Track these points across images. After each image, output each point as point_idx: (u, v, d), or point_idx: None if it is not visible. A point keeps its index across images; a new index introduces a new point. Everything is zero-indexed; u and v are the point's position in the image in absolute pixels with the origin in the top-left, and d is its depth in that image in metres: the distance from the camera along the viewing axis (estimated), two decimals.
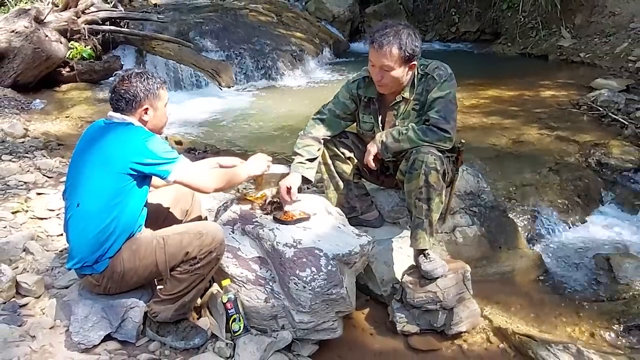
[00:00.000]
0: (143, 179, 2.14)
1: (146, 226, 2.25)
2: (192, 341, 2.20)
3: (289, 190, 2.51)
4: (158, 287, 2.29)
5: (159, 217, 2.41)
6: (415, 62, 2.49)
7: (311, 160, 2.67)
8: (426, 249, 2.48)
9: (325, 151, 2.74)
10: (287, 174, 2.60)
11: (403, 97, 2.60)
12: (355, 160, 2.76)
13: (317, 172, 2.75)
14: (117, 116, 2.16)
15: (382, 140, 2.54)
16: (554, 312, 2.75)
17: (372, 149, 2.57)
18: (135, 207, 2.15)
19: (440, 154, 2.46)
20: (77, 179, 2.14)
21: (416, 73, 2.57)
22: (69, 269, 2.28)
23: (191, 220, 2.51)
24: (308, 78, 7.76)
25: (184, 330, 2.21)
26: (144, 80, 2.16)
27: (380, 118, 2.68)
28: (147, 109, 2.18)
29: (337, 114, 2.73)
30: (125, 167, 2.06)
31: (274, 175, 2.56)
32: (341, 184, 2.80)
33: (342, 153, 2.74)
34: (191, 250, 2.08)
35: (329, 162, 2.76)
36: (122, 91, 2.14)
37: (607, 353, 2.33)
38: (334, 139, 2.74)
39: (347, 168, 2.78)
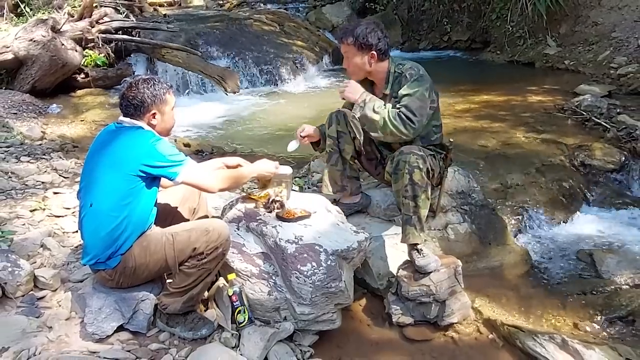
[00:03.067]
0: (152, 180, 2.13)
1: (155, 224, 2.25)
2: (200, 332, 2.20)
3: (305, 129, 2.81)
4: (167, 280, 2.29)
5: (168, 215, 2.40)
6: (374, 52, 2.58)
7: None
8: (417, 244, 2.49)
9: (336, 126, 2.78)
10: (291, 174, 2.61)
11: (384, 94, 2.67)
12: (361, 141, 2.80)
13: (323, 150, 2.88)
14: (127, 120, 2.16)
15: (364, 100, 2.57)
16: (540, 305, 2.75)
17: (352, 94, 2.60)
18: (145, 207, 2.15)
19: (422, 153, 2.50)
20: (90, 179, 2.14)
21: (392, 71, 2.64)
22: (84, 265, 2.29)
23: (198, 218, 2.51)
24: (309, 84, 7.74)
25: (192, 322, 2.21)
26: (151, 86, 2.16)
27: None
28: (154, 113, 2.17)
29: None
30: (135, 169, 2.06)
31: (277, 176, 2.56)
32: (340, 160, 2.85)
33: (349, 132, 2.78)
34: (198, 246, 2.08)
35: (336, 136, 2.79)
36: (130, 97, 2.14)
37: (590, 343, 2.32)
38: (346, 117, 2.78)
39: (349, 148, 2.82)
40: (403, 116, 2.50)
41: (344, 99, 2.72)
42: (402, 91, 2.56)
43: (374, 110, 2.54)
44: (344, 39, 2.61)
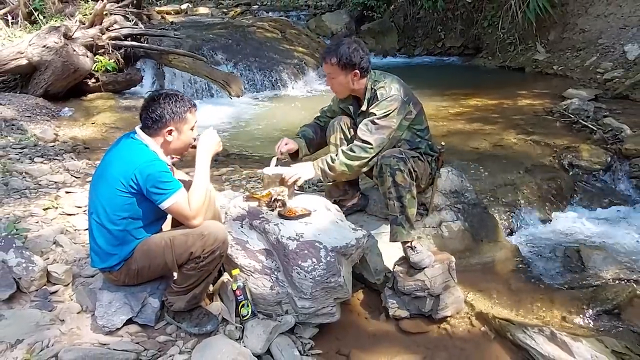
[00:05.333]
0: (146, 198, 2.07)
1: (162, 221, 2.24)
2: (205, 328, 2.20)
3: (285, 145, 2.70)
4: (172, 279, 2.28)
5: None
6: (357, 71, 2.55)
7: (305, 138, 2.81)
8: (407, 242, 2.50)
9: (338, 134, 2.75)
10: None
11: (362, 110, 2.66)
12: None
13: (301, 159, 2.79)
14: (140, 134, 2.10)
15: (320, 167, 2.57)
16: (530, 298, 2.75)
17: (306, 175, 2.56)
18: (144, 220, 2.10)
19: (402, 155, 2.50)
20: (95, 187, 2.12)
21: (369, 88, 2.62)
22: (91, 267, 2.29)
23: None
24: (309, 88, 7.75)
25: (197, 317, 2.21)
26: (173, 102, 2.08)
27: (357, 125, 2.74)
28: (171, 130, 2.10)
29: (328, 116, 2.91)
30: (126, 185, 2.01)
31: (279, 176, 2.56)
32: None
33: (352, 137, 2.74)
34: (195, 250, 2.04)
35: (338, 143, 2.75)
36: (150, 110, 2.07)
37: (578, 335, 2.33)
38: (347, 123, 2.76)
39: None
40: (358, 143, 2.53)
41: (299, 185, 2.66)
42: (371, 109, 2.57)
43: (331, 168, 2.55)
44: (328, 59, 2.55)
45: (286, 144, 2.71)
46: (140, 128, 2.13)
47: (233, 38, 8.30)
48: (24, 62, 5.55)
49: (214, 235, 2.07)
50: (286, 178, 2.50)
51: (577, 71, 7.13)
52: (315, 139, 2.85)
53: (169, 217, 2.30)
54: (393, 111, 2.54)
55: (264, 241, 2.40)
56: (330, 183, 2.81)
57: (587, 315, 2.57)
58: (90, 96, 6.09)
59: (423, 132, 2.73)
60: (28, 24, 6.97)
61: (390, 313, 2.53)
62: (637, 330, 2.45)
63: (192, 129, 2.17)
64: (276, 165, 2.60)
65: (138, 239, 2.11)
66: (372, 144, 2.52)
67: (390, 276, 2.62)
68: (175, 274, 2.23)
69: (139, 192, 2.03)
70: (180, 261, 2.08)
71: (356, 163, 2.53)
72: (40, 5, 7.15)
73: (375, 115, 2.53)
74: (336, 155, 2.56)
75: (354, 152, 2.53)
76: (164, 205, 2.03)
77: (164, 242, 2.09)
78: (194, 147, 2.20)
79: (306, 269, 2.22)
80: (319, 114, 2.98)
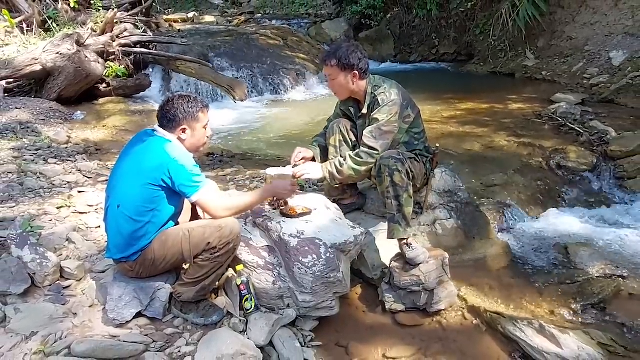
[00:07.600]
0: (174, 191, 2.11)
1: (180, 219, 2.26)
2: (211, 318, 2.20)
3: (299, 154, 2.68)
4: (182, 271, 2.29)
5: (190, 211, 2.43)
6: (356, 72, 2.55)
7: (320, 147, 2.81)
8: (404, 239, 2.50)
9: (337, 136, 2.75)
10: (292, 175, 2.60)
11: (363, 113, 2.67)
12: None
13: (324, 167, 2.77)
14: (161, 131, 2.15)
15: (328, 170, 2.59)
16: (520, 293, 2.75)
17: (313, 173, 2.58)
18: (167, 213, 2.14)
19: (400, 156, 2.50)
20: (118, 180, 2.14)
21: (369, 92, 2.62)
22: (107, 258, 2.29)
23: None
24: (309, 93, 7.75)
25: (204, 309, 2.21)
26: (185, 103, 2.14)
27: (358, 127, 2.74)
28: (184, 129, 2.14)
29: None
30: (157, 179, 2.04)
31: (281, 176, 2.55)
32: None
33: (351, 139, 2.75)
34: (212, 240, 2.08)
35: (337, 145, 2.76)
36: (166, 110, 2.13)
37: (565, 327, 2.33)
38: (347, 125, 2.76)
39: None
40: (365, 149, 2.54)
41: (306, 181, 2.68)
42: (374, 115, 2.58)
43: (339, 172, 2.56)
44: (327, 62, 2.56)
45: (299, 153, 2.71)
46: (158, 127, 2.17)
47: (237, 45, 8.31)
48: (38, 68, 5.55)
49: (230, 228, 2.11)
50: (295, 174, 2.52)
51: (564, 77, 7.13)
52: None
53: (184, 211, 2.35)
54: (394, 115, 2.55)
55: (266, 238, 2.40)
56: (337, 185, 2.80)
57: (574, 309, 2.57)
58: (101, 100, 6.09)
59: (420, 134, 2.74)
60: (42, 32, 6.95)
61: (386, 307, 2.53)
62: (622, 322, 2.45)
63: (204, 128, 2.22)
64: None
65: (158, 231, 2.12)
66: (378, 150, 2.53)
67: (387, 272, 2.62)
68: (185, 267, 2.24)
69: (169, 186, 2.07)
70: (197, 251, 2.10)
71: (363, 168, 2.54)
72: (54, 13, 7.14)
73: (379, 121, 2.54)
74: (344, 159, 2.57)
75: (361, 157, 2.54)
76: (193, 198, 2.09)
77: (182, 233, 2.12)
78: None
79: (307, 264, 2.22)
80: (327, 124, 2.94)
